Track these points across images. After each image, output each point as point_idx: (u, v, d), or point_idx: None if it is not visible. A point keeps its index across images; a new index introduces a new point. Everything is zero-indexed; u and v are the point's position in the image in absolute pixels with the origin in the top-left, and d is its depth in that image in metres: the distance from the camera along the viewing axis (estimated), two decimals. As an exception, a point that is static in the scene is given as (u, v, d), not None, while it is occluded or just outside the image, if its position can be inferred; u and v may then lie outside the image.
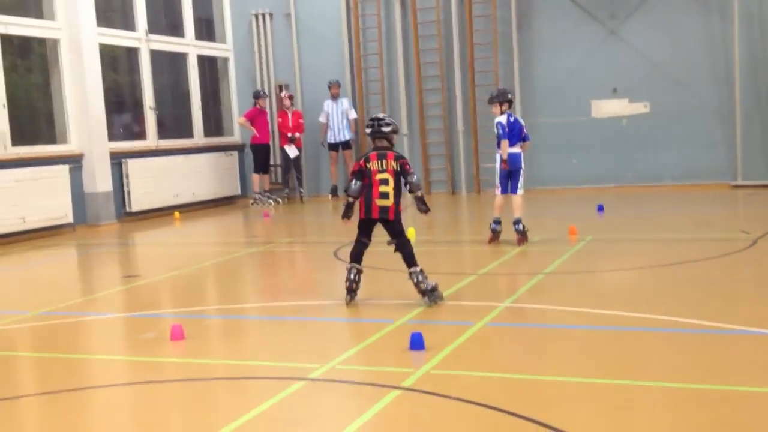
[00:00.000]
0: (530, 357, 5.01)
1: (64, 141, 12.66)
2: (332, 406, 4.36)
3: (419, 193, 6.38)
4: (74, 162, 12.50)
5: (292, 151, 15.20)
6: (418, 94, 15.33)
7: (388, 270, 7.37)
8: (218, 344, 5.87)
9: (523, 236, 8.84)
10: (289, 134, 15.15)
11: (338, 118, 15.23)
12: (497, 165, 8.98)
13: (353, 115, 15.33)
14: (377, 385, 4.49)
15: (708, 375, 4.45)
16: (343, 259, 7.68)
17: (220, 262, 9.39)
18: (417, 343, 5.06)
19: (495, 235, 8.97)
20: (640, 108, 14.22)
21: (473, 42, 14.90)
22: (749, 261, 7.71)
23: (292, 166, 15.51)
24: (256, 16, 16.13)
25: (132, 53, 14.25)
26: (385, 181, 6.25)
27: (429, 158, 15.42)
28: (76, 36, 12.56)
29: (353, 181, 6.37)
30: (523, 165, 9.00)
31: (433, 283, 6.25)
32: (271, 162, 15.77)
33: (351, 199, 6.40)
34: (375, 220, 6.31)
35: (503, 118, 8.83)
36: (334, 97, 15.25)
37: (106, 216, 12.86)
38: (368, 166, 6.31)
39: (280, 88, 15.87)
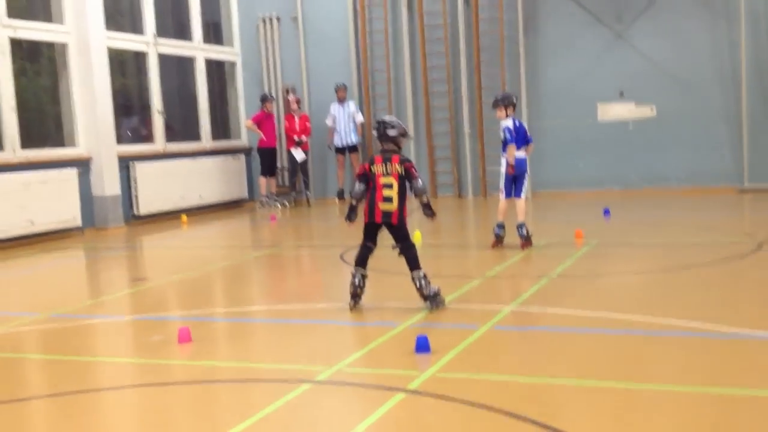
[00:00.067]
0: (536, 360, 5.02)
1: (73, 144, 12.72)
2: (338, 408, 4.39)
3: (424, 198, 6.33)
4: (82, 165, 12.56)
5: (298, 155, 15.24)
6: (424, 97, 15.36)
7: (395, 273, 7.39)
8: (225, 347, 5.91)
9: (527, 241, 8.84)
10: (296, 137, 15.21)
11: (345, 121, 15.28)
12: (502, 169, 8.96)
13: (360, 118, 15.37)
14: (383, 387, 4.52)
15: (713, 378, 4.47)
16: (349, 262, 7.71)
17: (227, 265, 9.43)
18: (423, 346, 5.08)
19: (498, 240, 8.96)
20: (647, 111, 14.21)
21: (480, 45, 14.92)
22: (754, 265, 7.71)
23: (298, 169, 15.56)
24: (264, 20, 16.19)
25: (140, 57, 14.32)
26: (388, 185, 6.22)
27: (435, 161, 15.44)
28: (84, 40, 12.63)
29: (357, 184, 6.39)
30: (528, 169, 9.02)
31: (436, 288, 6.23)
32: (278, 165, 15.83)
33: (354, 202, 6.41)
34: (379, 224, 6.29)
35: (510, 122, 8.83)
36: (341, 101, 15.30)
37: (114, 219, 12.91)
38: (372, 169, 6.28)
39: (287, 91, 15.92)
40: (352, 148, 15.41)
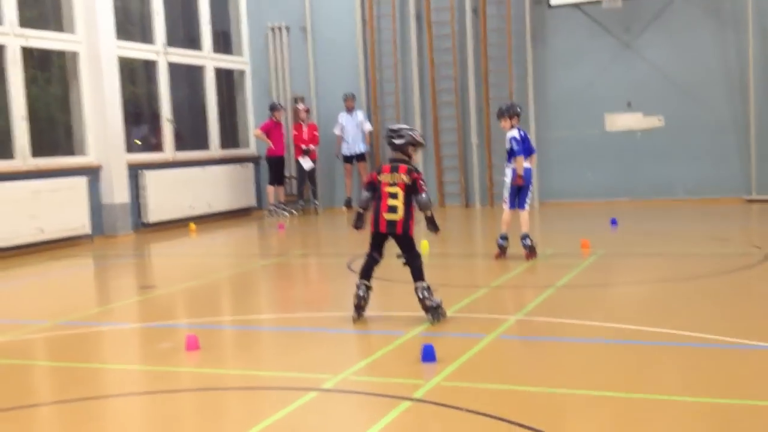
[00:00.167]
0: (541, 370, 5.04)
1: (83, 153, 12.80)
2: (344, 416, 4.41)
3: (428, 213, 6.27)
4: (92, 173, 12.63)
5: (306, 164, 15.30)
6: (432, 107, 15.40)
7: (401, 282, 7.40)
8: (232, 354, 5.94)
9: (531, 252, 8.82)
10: (304, 146, 15.27)
11: (353, 130, 15.34)
12: (507, 180, 8.95)
13: (368, 127, 15.43)
14: (389, 396, 4.55)
15: (719, 389, 4.47)
16: (356, 271, 7.73)
17: (235, 273, 9.48)
18: (428, 354, 5.10)
19: (502, 251, 8.94)
20: (655, 122, 14.22)
21: (487, 55, 14.97)
22: (761, 276, 7.71)
23: (306, 178, 15.61)
24: (273, 30, 16.27)
25: (150, 66, 14.41)
26: (393, 195, 6.17)
27: (443, 171, 15.47)
28: (95, 49, 12.72)
29: (363, 192, 6.40)
30: (532, 180, 9.03)
31: (438, 300, 6.19)
32: (287, 174, 15.89)
33: (361, 210, 6.42)
34: (384, 234, 6.25)
35: (515, 133, 8.85)
36: (349, 110, 15.36)
37: (123, 227, 12.97)
38: (379, 178, 6.27)
39: (296, 100, 15.99)
40: (360, 157, 15.46)
